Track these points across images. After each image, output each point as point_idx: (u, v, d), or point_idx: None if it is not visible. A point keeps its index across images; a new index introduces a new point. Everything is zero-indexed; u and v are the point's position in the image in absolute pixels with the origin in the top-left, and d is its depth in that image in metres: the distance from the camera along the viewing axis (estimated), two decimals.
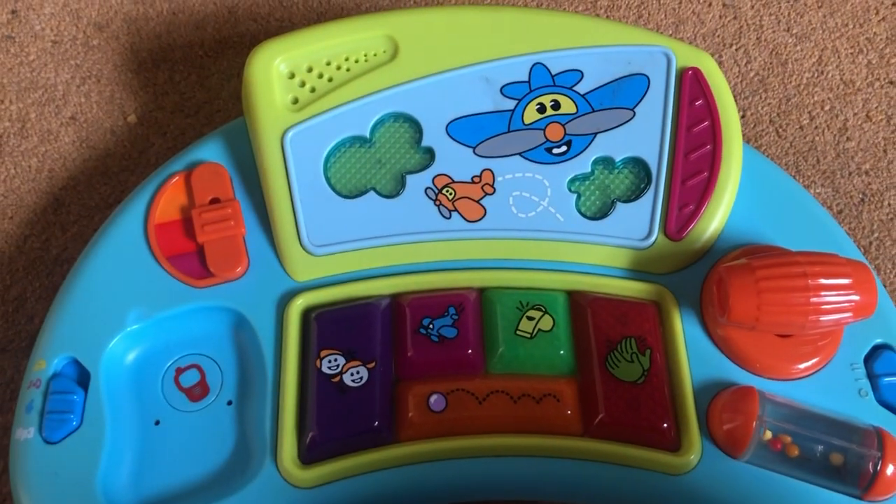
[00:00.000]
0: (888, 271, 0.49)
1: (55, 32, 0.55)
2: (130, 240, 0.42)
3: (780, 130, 0.53)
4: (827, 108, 0.53)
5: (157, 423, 0.39)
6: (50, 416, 0.38)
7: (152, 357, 0.41)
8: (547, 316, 0.40)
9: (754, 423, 0.37)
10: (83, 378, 0.39)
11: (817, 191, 0.51)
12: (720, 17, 0.56)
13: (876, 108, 0.53)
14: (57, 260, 0.48)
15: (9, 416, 0.44)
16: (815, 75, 0.54)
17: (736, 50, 0.55)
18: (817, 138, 0.52)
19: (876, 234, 0.50)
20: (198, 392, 0.40)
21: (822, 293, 0.37)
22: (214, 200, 0.42)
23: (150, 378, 0.40)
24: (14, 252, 0.49)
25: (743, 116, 0.53)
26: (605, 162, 0.43)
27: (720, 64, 0.54)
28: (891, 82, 0.54)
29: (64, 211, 0.50)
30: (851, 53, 0.55)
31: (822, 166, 0.52)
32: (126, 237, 0.42)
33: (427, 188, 0.42)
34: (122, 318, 0.40)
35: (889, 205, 0.50)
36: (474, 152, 0.42)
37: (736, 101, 0.53)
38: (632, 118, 0.43)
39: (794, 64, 0.55)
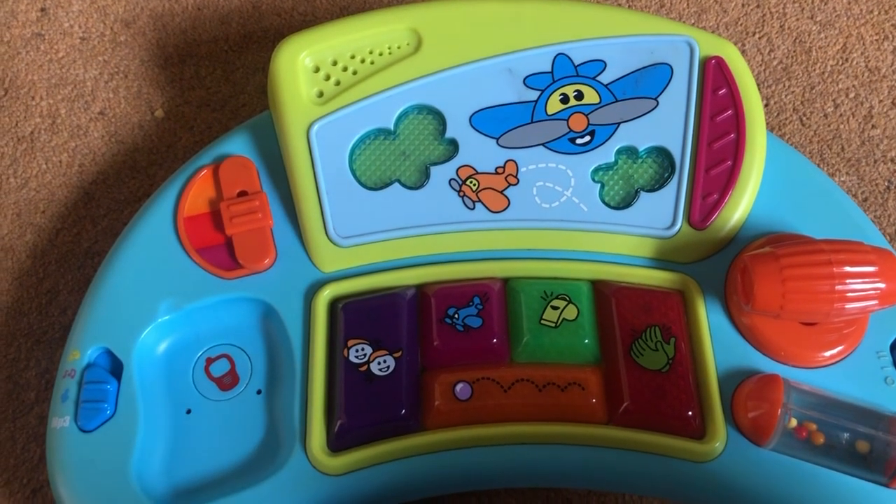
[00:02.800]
0: None
1: (83, 29, 0.56)
2: (160, 233, 0.43)
3: (805, 119, 0.52)
4: (852, 95, 0.53)
5: (189, 411, 0.40)
6: (85, 406, 0.39)
7: (183, 347, 0.41)
8: (571, 305, 0.40)
9: (779, 411, 0.37)
10: (116, 368, 0.40)
11: (842, 179, 0.51)
12: (743, 5, 0.56)
13: None
14: (88, 253, 0.49)
15: (45, 405, 0.45)
16: (840, 63, 0.54)
17: (759, 38, 0.55)
18: (842, 126, 0.52)
19: None
20: (228, 381, 0.41)
21: (847, 281, 0.36)
22: (242, 193, 0.43)
23: (181, 368, 0.41)
24: (46, 245, 0.50)
25: (766, 105, 0.53)
26: (629, 151, 0.43)
27: (743, 53, 0.54)
28: None
29: (94, 205, 0.51)
30: (877, 40, 0.55)
31: (847, 154, 0.51)
32: (156, 230, 0.43)
33: (451, 179, 0.42)
34: (154, 310, 0.41)
35: None
36: (498, 143, 0.43)
37: (759, 89, 0.53)
38: (655, 108, 0.43)
39: (818, 52, 0.54)
